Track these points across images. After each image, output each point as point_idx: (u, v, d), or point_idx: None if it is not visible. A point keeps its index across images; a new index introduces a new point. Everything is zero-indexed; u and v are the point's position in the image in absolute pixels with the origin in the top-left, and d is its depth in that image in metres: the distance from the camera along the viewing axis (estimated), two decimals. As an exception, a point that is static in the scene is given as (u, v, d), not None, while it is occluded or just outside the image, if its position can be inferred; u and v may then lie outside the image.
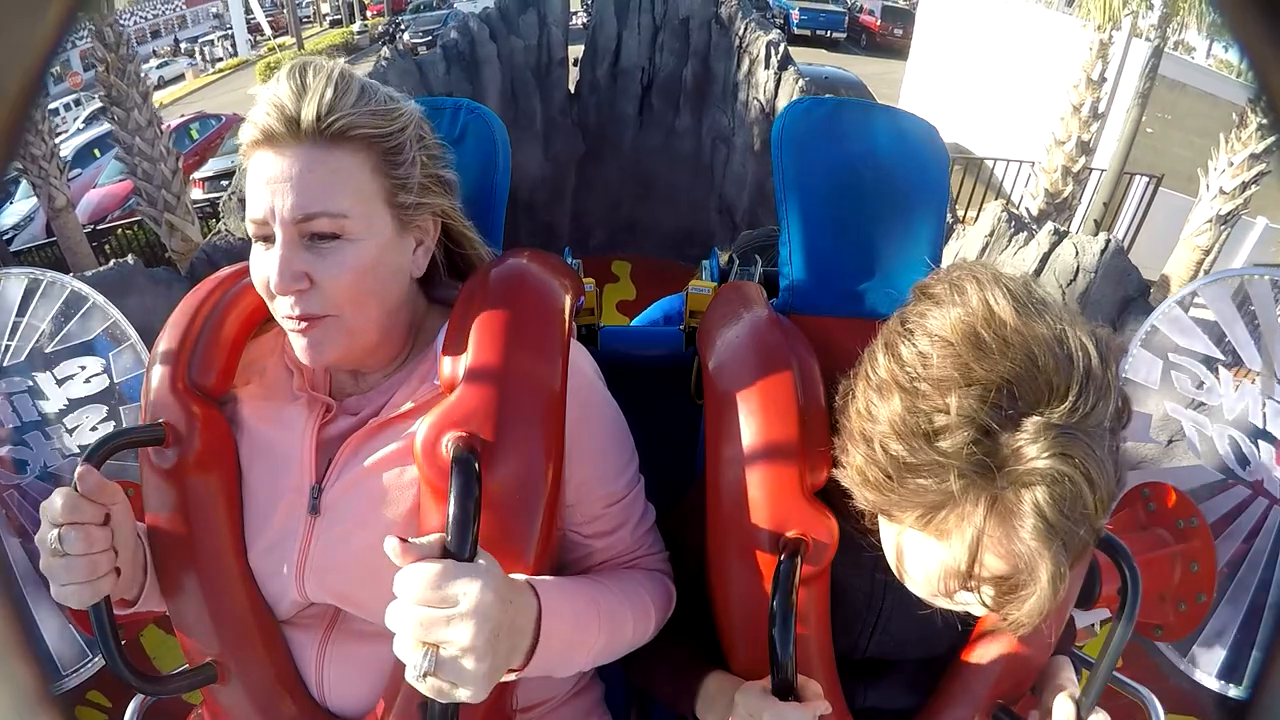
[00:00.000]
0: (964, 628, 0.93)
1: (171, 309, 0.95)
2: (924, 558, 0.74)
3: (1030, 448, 0.62)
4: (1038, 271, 4.04)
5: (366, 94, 0.83)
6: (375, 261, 0.83)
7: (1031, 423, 0.62)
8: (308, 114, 0.79)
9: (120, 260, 2.95)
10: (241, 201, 0.87)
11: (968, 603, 0.74)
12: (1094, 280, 3.85)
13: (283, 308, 0.83)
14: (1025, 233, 4.38)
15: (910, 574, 0.79)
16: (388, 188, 0.84)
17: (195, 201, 8.54)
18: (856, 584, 0.93)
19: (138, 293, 2.79)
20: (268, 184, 0.80)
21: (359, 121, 0.81)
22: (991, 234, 4.44)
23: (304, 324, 0.82)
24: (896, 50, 18.69)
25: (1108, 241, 3.89)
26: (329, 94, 0.80)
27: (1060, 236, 4.12)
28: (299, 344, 0.84)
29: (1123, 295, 3.83)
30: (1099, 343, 0.66)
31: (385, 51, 5.47)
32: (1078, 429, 0.63)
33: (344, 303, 0.82)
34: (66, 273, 2.01)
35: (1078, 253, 3.93)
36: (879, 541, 0.83)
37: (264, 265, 0.82)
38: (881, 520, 0.81)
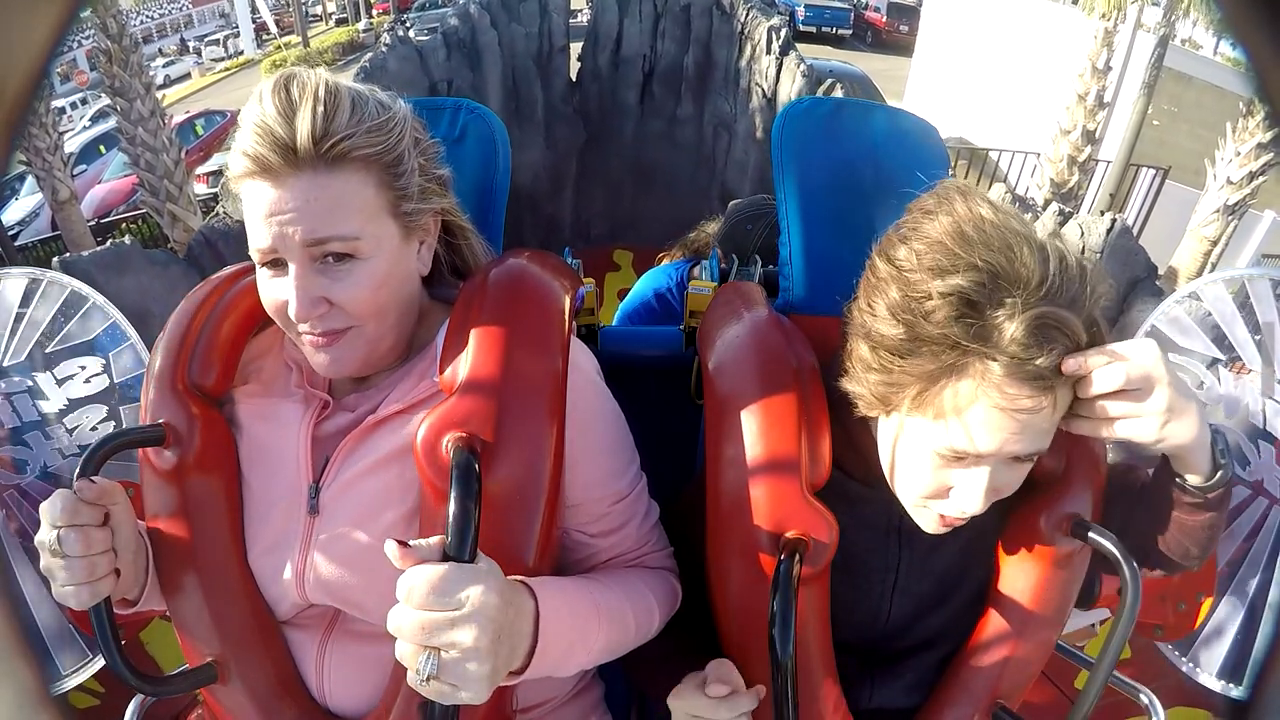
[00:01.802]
0: (980, 586, 0.97)
1: (168, 289, 0.95)
2: (919, 443, 0.80)
3: (1009, 321, 0.70)
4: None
5: (358, 107, 0.80)
6: (388, 273, 0.83)
7: (1010, 300, 0.70)
8: (302, 139, 0.75)
9: (117, 240, 2.94)
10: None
11: (959, 494, 0.80)
12: (1100, 260, 3.76)
13: (302, 327, 0.82)
14: (1030, 213, 4.33)
15: (905, 470, 0.83)
16: (392, 200, 0.83)
17: (199, 195, 8.56)
18: (872, 544, 0.94)
19: (134, 273, 2.74)
20: (271, 217, 0.78)
21: (358, 143, 0.78)
22: (995, 213, 4.37)
23: (324, 339, 0.82)
24: (902, 47, 18.55)
25: (1114, 221, 3.82)
26: (320, 114, 0.76)
27: (1065, 217, 4.04)
28: (319, 359, 0.84)
29: (1130, 276, 3.73)
30: (1064, 240, 0.75)
31: (386, 38, 5.39)
32: (1051, 302, 0.70)
33: (365, 316, 0.83)
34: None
35: (1083, 233, 3.83)
36: (886, 488, 0.88)
37: (278, 292, 0.81)
38: (881, 426, 0.85)
